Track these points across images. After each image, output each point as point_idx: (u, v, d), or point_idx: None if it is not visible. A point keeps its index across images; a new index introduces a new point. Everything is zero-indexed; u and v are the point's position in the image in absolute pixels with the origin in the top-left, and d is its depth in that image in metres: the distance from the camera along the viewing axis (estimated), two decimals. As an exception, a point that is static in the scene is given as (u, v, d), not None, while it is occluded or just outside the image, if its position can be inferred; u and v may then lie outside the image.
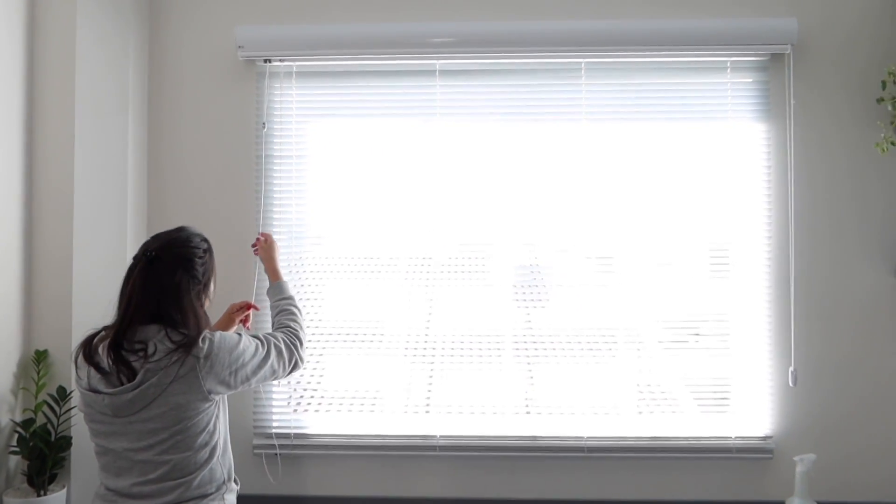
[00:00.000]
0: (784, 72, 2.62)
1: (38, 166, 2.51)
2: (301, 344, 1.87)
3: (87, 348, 1.56)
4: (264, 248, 2.35)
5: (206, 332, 1.63)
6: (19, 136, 2.46)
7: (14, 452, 2.34)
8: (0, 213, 2.37)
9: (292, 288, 2.17)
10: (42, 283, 2.49)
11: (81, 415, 1.63)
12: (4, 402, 2.37)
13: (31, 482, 2.33)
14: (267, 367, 1.73)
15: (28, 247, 2.50)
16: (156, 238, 1.71)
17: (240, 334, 1.72)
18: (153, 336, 1.56)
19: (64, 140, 2.50)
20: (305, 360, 1.89)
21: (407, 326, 2.69)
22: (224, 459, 1.64)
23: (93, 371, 1.53)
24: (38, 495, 2.32)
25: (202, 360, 1.56)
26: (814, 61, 2.63)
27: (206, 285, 1.74)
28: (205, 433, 1.56)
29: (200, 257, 1.70)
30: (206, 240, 1.79)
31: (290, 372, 1.82)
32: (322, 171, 2.72)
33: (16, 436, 2.36)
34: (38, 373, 2.40)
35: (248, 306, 2.32)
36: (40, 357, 2.42)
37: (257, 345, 1.73)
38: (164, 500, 1.50)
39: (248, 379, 1.67)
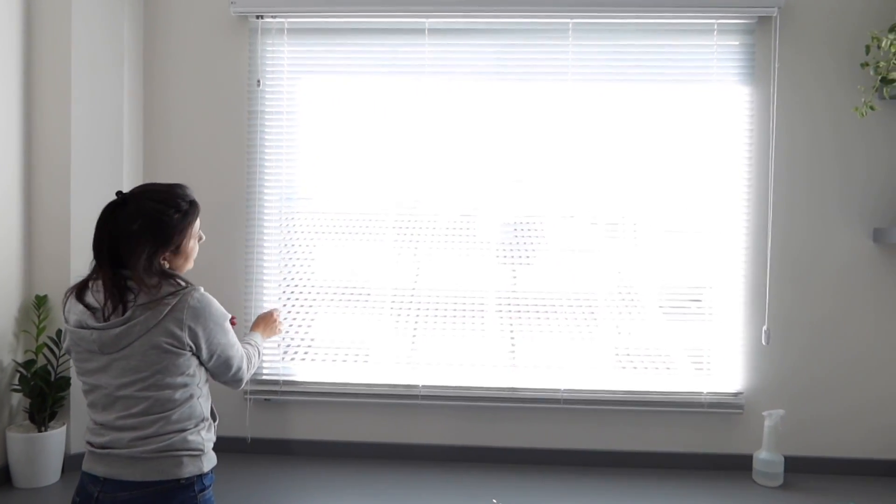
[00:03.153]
0: (770, 35, 2.63)
1: (35, 119, 2.59)
2: (248, 368, 1.85)
3: (80, 290, 1.63)
4: (265, 322, 2.25)
5: (200, 289, 1.65)
6: (17, 90, 2.53)
7: (16, 390, 2.47)
8: (0, 169, 2.46)
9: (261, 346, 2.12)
10: (41, 232, 2.59)
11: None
12: (7, 344, 2.49)
13: (32, 419, 2.46)
14: (232, 354, 1.73)
15: (27, 197, 2.59)
16: (142, 185, 1.71)
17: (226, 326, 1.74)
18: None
19: (60, 93, 2.57)
20: (243, 384, 1.84)
21: (394, 283, 2.77)
22: (204, 400, 1.70)
23: (82, 308, 1.61)
24: (40, 431, 2.45)
25: (187, 310, 1.59)
26: (800, 25, 2.64)
27: (175, 246, 1.66)
28: (184, 376, 1.63)
29: (169, 215, 1.63)
30: (191, 202, 1.69)
31: (232, 378, 1.78)
32: (312, 127, 2.78)
33: (17, 375, 2.48)
34: (39, 317, 2.51)
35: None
36: (40, 302, 2.53)
37: (235, 336, 1.77)
38: (146, 433, 1.59)
39: (214, 353, 1.68)
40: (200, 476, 1.64)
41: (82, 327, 1.59)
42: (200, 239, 1.77)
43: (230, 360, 1.73)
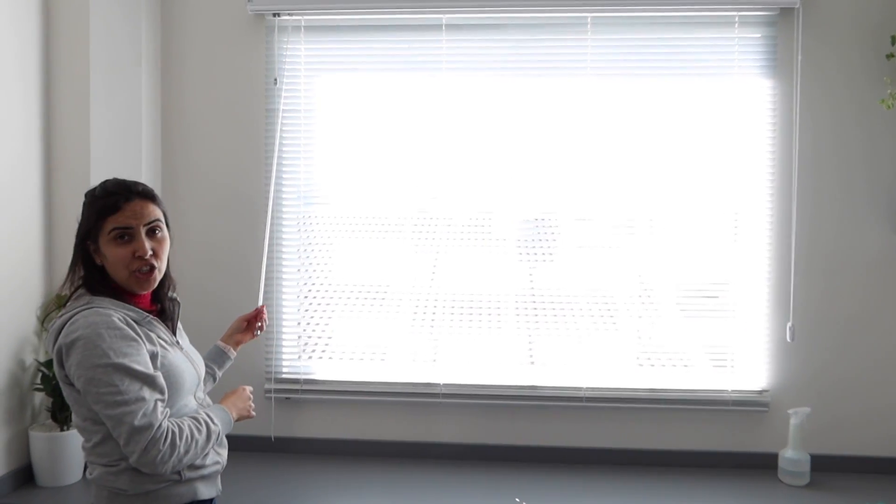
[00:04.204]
0: (793, 27, 2.59)
1: (55, 119, 2.61)
2: (173, 453, 1.32)
3: None
4: (235, 397, 1.62)
5: (81, 311, 1.34)
6: (37, 92, 2.55)
7: (38, 390, 2.48)
8: (21, 167, 2.47)
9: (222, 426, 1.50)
10: (61, 232, 2.61)
11: None
12: (29, 344, 2.51)
13: (54, 418, 2.47)
14: (117, 416, 1.29)
15: (48, 196, 2.61)
16: None
17: (117, 365, 1.30)
18: None
19: (80, 94, 2.59)
20: (166, 470, 1.34)
21: (413, 282, 2.76)
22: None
23: None
24: (61, 430, 2.46)
25: (63, 349, 1.34)
26: (823, 16, 2.60)
27: (88, 235, 1.40)
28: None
29: (86, 198, 1.44)
30: (108, 193, 1.41)
31: (137, 457, 1.30)
32: (329, 125, 2.77)
33: (40, 375, 2.49)
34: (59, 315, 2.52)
35: (258, 315, 1.88)
36: (61, 301, 2.53)
37: (132, 387, 1.31)
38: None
39: (92, 405, 1.33)
40: None
41: None
42: (138, 254, 1.38)
43: (120, 422, 1.30)
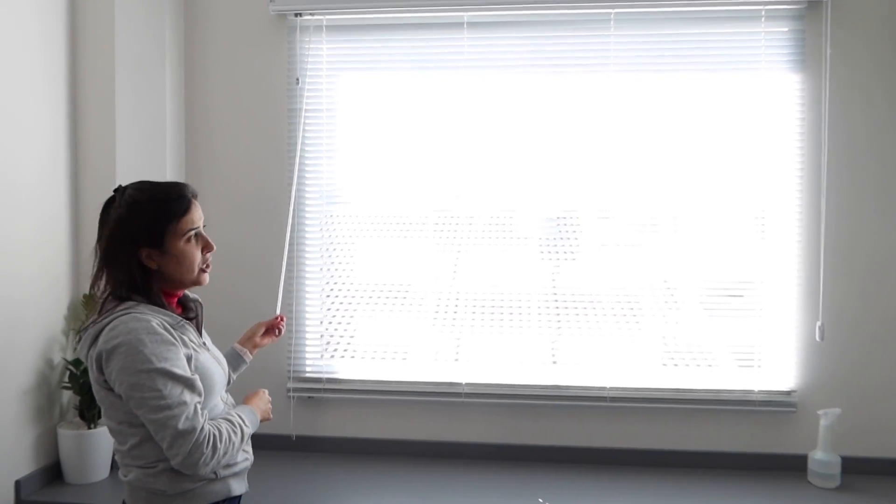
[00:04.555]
0: (821, 20, 2.54)
1: (81, 120, 2.64)
2: (214, 455, 1.38)
3: None
4: (256, 399, 1.68)
5: (120, 317, 1.36)
6: (63, 93, 2.58)
7: (66, 388, 2.51)
8: (49, 168, 2.51)
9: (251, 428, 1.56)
10: (88, 232, 2.63)
11: None
12: (56, 343, 2.54)
13: (82, 416, 2.50)
14: (161, 420, 1.34)
15: (74, 197, 2.64)
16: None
17: (160, 369, 1.34)
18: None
19: (105, 95, 2.63)
20: (206, 472, 1.40)
21: (436, 282, 2.75)
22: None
23: None
24: (89, 428, 2.49)
25: (104, 354, 1.37)
26: (853, 8, 2.54)
27: (155, 240, 1.43)
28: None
29: (149, 204, 1.43)
30: (180, 196, 1.46)
31: (181, 460, 1.35)
32: (352, 124, 2.77)
33: (67, 373, 2.52)
34: (87, 315, 2.55)
35: (277, 323, 1.93)
36: (88, 301, 2.56)
37: (175, 390, 1.34)
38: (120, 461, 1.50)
39: (135, 410, 1.37)
40: None
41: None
42: (208, 248, 1.51)
43: (163, 425, 1.34)
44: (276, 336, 1.91)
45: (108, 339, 1.35)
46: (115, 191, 1.50)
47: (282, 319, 1.93)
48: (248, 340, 1.84)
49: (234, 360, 1.78)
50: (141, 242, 1.42)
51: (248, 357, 1.81)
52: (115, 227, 1.43)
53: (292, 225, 2.59)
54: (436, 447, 2.75)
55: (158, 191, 1.47)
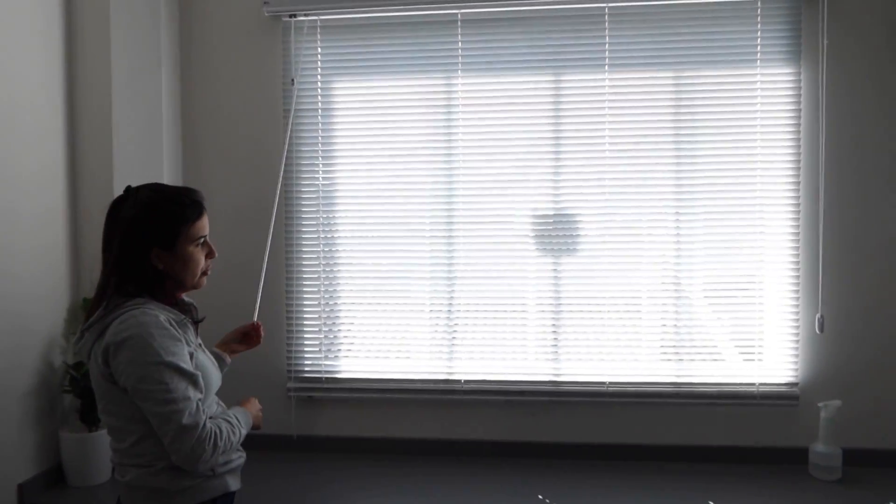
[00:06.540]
0: (818, 13, 2.53)
1: (78, 123, 2.65)
2: (214, 453, 1.40)
3: None
4: (248, 404, 1.67)
5: (130, 311, 1.39)
6: (60, 96, 2.59)
7: (67, 391, 2.52)
8: (47, 171, 2.51)
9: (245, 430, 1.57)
10: (87, 235, 2.65)
11: None
12: (57, 346, 2.55)
13: (83, 419, 2.51)
14: (165, 414, 1.35)
15: (72, 200, 2.65)
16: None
17: (168, 363, 1.36)
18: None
19: (102, 98, 2.63)
20: (205, 469, 1.44)
21: (434, 278, 2.75)
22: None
23: None
24: (90, 431, 2.50)
25: (112, 347, 1.38)
26: (849, 2, 2.53)
27: (168, 241, 1.45)
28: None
29: (164, 205, 1.45)
30: (194, 202, 1.49)
31: (182, 456, 1.37)
32: (347, 124, 2.77)
33: (68, 377, 2.53)
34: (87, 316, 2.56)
35: (255, 329, 1.89)
36: (87, 304, 2.56)
37: (180, 385, 1.37)
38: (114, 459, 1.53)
39: (140, 403, 1.38)
40: None
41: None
42: (211, 255, 1.54)
43: (167, 419, 1.36)
44: (255, 344, 1.90)
45: (118, 332, 1.37)
46: (126, 190, 1.51)
47: (259, 326, 1.90)
48: (227, 346, 1.85)
49: (217, 363, 1.80)
50: (154, 242, 1.45)
51: (228, 360, 1.82)
52: (129, 226, 1.44)
53: (277, 224, 2.55)
54: (436, 445, 2.75)
55: (174, 194, 1.50)
